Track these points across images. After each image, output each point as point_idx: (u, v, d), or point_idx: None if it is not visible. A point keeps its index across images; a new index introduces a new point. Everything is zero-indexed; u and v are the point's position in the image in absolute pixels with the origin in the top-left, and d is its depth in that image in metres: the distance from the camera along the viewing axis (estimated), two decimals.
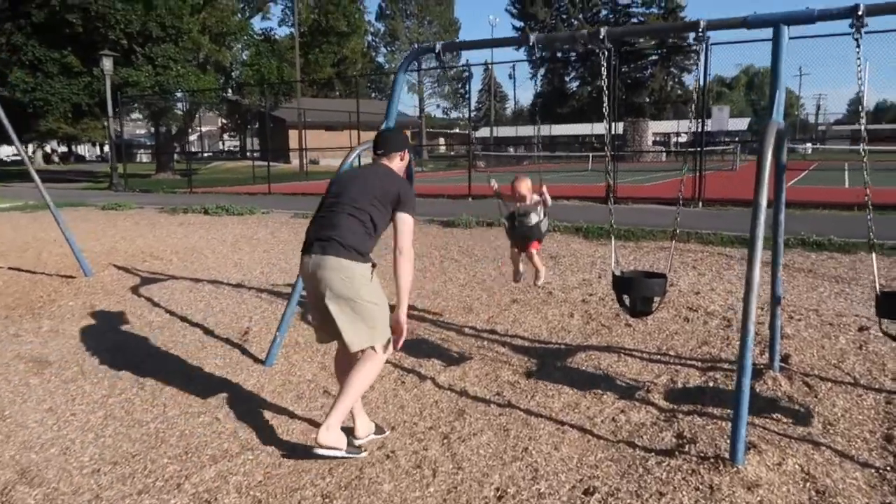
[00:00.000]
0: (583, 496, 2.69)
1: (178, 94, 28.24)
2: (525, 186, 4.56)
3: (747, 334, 2.87)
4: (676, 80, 56.63)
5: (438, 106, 66.91)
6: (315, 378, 4.15)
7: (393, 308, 3.02)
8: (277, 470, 2.97)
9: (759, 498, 2.61)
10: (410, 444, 3.21)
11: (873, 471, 2.87)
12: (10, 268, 7.79)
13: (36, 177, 7.33)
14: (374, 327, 2.95)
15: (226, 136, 66.73)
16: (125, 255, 8.66)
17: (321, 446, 2.89)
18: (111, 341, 4.98)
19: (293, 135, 37.12)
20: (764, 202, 2.94)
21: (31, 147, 50.82)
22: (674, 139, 47.20)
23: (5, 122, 6.89)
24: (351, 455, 3.00)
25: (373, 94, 58.80)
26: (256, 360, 4.50)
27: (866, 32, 3.31)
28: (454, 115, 66.35)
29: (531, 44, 4.19)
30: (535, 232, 4.57)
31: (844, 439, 3.16)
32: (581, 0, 57.46)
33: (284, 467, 2.99)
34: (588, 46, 3.95)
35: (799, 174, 23.48)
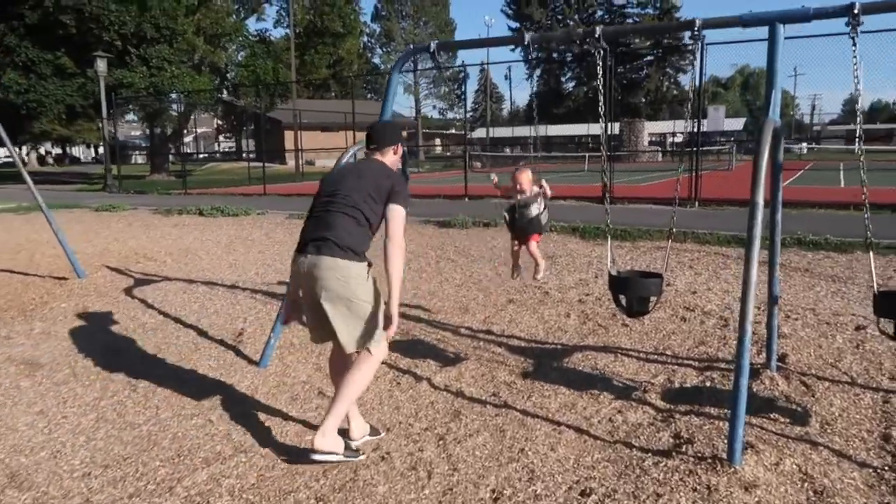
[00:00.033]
0: (579, 497, 2.67)
1: (173, 96, 28.15)
2: (526, 177, 4.55)
3: (745, 334, 2.85)
4: (672, 80, 56.74)
5: (434, 107, 66.76)
6: (310, 379, 4.12)
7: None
8: (271, 472, 2.94)
9: (756, 498, 2.59)
10: (406, 445, 3.18)
11: (871, 470, 2.85)
12: (2, 270, 7.73)
13: (28, 178, 7.29)
14: (371, 328, 2.92)
15: (221, 138, 66.57)
16: (118, 257, 8.61)
17: (318, 452, 2.86)
18: (103, 343, 4.93)
19: (289, 136, 37.05)
20: (761, 201, 2.92)
21: (25, 149, 50.63)
22: (670, 139, 47.24)
23: None
24: (349, 458, 2.97)
25: (369, 95, 58.73)
26: (251, 361, 4.46)
27: (861, 32, 3.30)
28: (450, 115, 66.38)
29: (526, 43, 4.18)
30: (535, 224, 4.55)
31: (842, 439, 3.14)
32: (577, 1, 57.52)
33: (278, 469, 2.96)
34: (584, 47, 3.93)
35: (795, 174, 23.53)
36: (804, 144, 43.31)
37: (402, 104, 67.05)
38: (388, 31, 61.36)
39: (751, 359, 3.20)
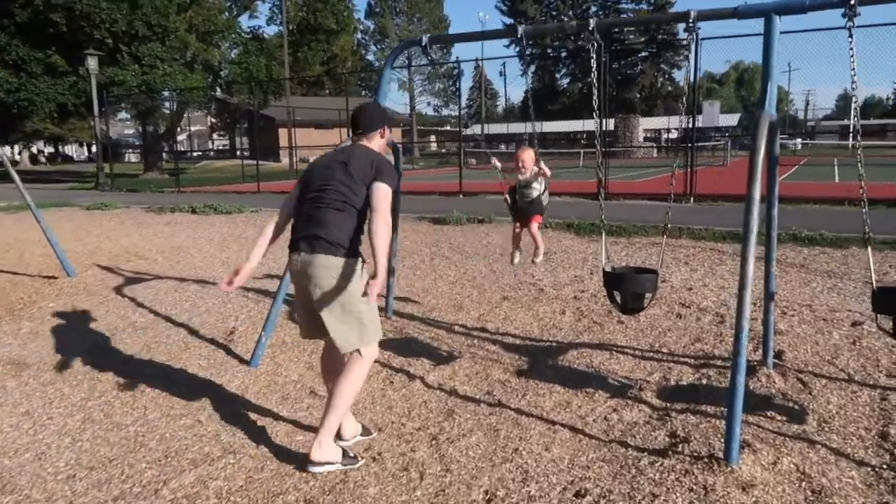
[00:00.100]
0: (574, 498, 2.62)
1: (166, 94, 27.98)
2: (528, 155, 4.58)
3: (741, 331, 2.80)
4: (667, 76, 56.70)
5: (429, 104, 66.73)
6: (301, 378, 4.06)
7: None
8: (260, 474, 2.88)
9: (753, 498, 2.55)
10: (398, 445, 3.13)
11: (869, 469, 2.81)
12: None
13: (15, 176, 7.19)
14: (365, 327, 2.87)
15: (215, 136, 66.31)
16: (109, 255, 8.53)
17: (315, 464, 2.82)
18: (92, 343, 4.86)
19: (283, 133, 36.91)
20: (757, 195, 2.87)
21: (17, 148, 50.31)
22: (665, 135, 47.25)
23: None
24: (347, 466, 2.90)
25: (363, 92, 58.48)
26: (241, 360, 4.40)
27: (856, 26, 3.26)
28: (445, 112, 66.28)
29: (519, 36, 4.13)
30: (536, 205, 4.59)
31: (840, 437, 3.10)
32: None
33: (267, 471, 2.90)
34: (578, 43, 3.89)
35: (789, 169, 23.54)
36: (798, 140, 43.37)
37: (396, 101, 66.98)
38: (381, 27, 61.17)
39: (747, 356, 3.16)
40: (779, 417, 3.32)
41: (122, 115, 37.82)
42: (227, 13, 34.25)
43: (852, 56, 3.30)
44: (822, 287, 6.02)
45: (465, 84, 67.82)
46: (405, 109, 56.76)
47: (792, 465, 2.81)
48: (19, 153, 52.55)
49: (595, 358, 4.29)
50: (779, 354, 4.17)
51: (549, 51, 52.28)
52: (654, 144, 45.21)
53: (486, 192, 15.62)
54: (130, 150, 64.85)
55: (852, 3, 3.15)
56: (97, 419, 3.50)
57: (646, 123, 47.97)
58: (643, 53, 53.67)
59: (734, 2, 3.56)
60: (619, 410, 3.45)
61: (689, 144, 14.10)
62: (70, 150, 76.46)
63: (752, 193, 2.86)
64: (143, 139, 37.38)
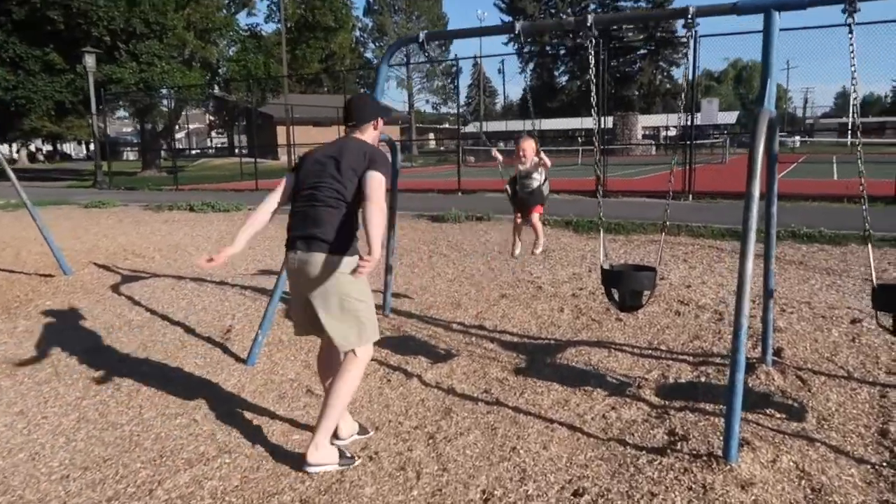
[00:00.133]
0: (572, 498, 2.60)
1: (164, 91, 27.91)
2: (530, 144, 4.57)
3: (741, 328, 2.78)
4: (665, 74, 56.63)
5: (428, 101, 66.53)
6: (298, 377, 4.04)
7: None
8: (255, 474, 2.86)
9: (753, 497, 2.53)
10: (395, 444, 3.11)
11: (869, 467, 2.79)
12: None
13: (10, 174, 7.15)
14: (363, 325, 2.85)
15: (213, 134, 66.20)
16: (106, 254, 8.49)
17: (311, 465, 2.80)
18: (88, 341, 4.84)
19: (281, 131, 36.77)
20: (756, 192, 2.84)
21: (15, 146, 50.20)
22: (663, 133, 47.21)
23: None
24: (344, 466, 2.87)
25: (361, 90, 58.40)
26: (238, 359, 4.38)
27: (855, 24, 3.23)
28: (444, 110, 66.17)
29: (517, 32, 4.10)
30: (537, 195, 4.58)
31: (839, 435, 3.09)
32: None
33: (263, 471, 2.88)
34: (577, 41, 3.87)
35: (788, 167, 23.53)
36: (797, 138, 43.35)
37: (395, 98, 66.85)
38: (380, 25, 61.03)
39: (746, 353, 3.14)
40: (778, 415, 3.30)
41: (121, 112, 37.70)
42: (224, 10, 34.15)
43: (852, 52, 3.28)
44: (820, 284, 6.01)
45: (464, 82, 67.77)
46: (404, 107, 56.70)
47: (791, 463, 2.79)
48: (17, 151, 52.44)
49: (593, 356, 4.27)
50: (778, 352, 4.16)
51: (548, 48, 52.21)
52: (653, 142, 45.20)
53: (484, 190, 15.59)
54: (129, 148, 64.66)
55: None
56: (92, 418, 3.48)
57: (644, 121, 47.91)
58: (642, 51, 53.60)
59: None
60: (617, 408, 3.43)
61: (688, 142, 14.08)
62: (69, 148, 76.33)
63: (752, 190, 2.84)
64: (141, 137, 37.29)
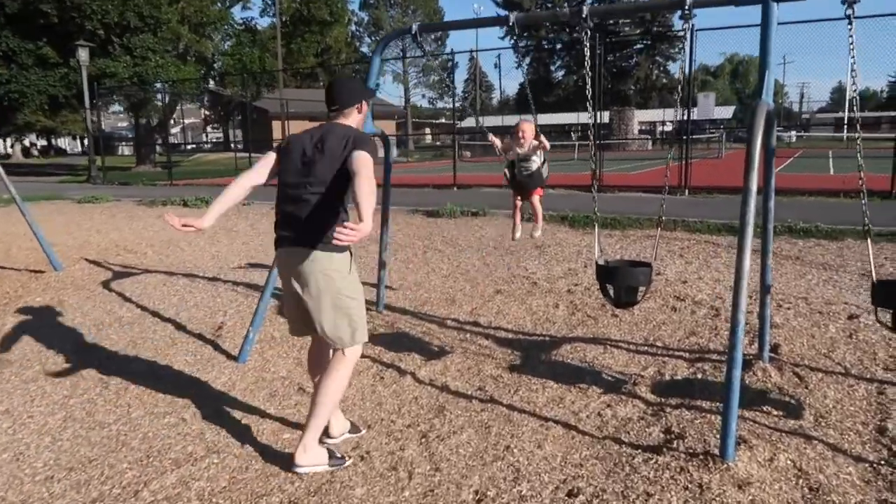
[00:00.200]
0: (566, 498, 2.55)
1: (158, 85, 27.72)
2: (528, 127, 4.55)
3: (737, 324, 2.73)
4: (662, 68, 56.55)
5: (424, 96, 66.35)
6: (290, 375, 3.98)
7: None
8: (244, 474, 2.80)
9: (750, 497, 2.48)
10: (387, 443, 3.06)
11: (867, 465, 2.75)
12: None
13: None
14: (354, 322, 2.79)
15: (209, 128, 65.87)
16: (98, 249, 8.41)
17: (300, 466, 2.75)
18: (77, 338, 4.77)
19: (276, 126, 36.68)
20: (754, 186, 2.79)
21: (9, 140, 49.90)
22: (660, 128, 47.16)
23: None
24: (335, 467, 2.82)
25: None
26: (229, 356, 4.32)
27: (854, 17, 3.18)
28: (440, 104, 65.97)
29: (511, 23, 4.04)
30: (536, 178, 4.57)
31: (837, 432, 3.05)
32: None
33: (251, 471, 2.83)
34: (573, 34, 3.81)
35: (784, 161, 23.52)
36: (793, 132, 43.36)
37: (391, 93, 66.59)
38: (376, 19, 60.76)
39: (743, 350, 3.09)
40: (775, 413, 3.26)
41: (115, 107, 37.44)
42: (219, 4, 33.93)
43: (852, 44, 3.23)
44: (817, 279, 5.97)
45: (461, 76, 67.59)
46: (400, 102, 56.53)
47: (789, 462, 2.75)
48: (11, 146, 52.11)
49: (589, 352, 4.23)
50: (775, 348, 4.12)
51: (544, 42, 52.06)
52: (649, 137, 45.17)
53: (480, 185, 15.53)
54: (123, 143, 64.33)
55: None
56: (79, 417, 3.42)
57: (641, 116, 47.83)
58: (638, 46, 53.52)
59: None
60: (612, 406, 3.38)
61: (684, 137, 14.04)
62: (63, 142, 75.84)
63: (749, 185, 2.78)
64: (135, 132, 37.06)
